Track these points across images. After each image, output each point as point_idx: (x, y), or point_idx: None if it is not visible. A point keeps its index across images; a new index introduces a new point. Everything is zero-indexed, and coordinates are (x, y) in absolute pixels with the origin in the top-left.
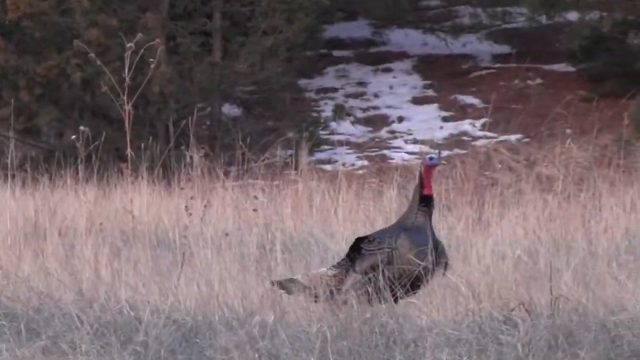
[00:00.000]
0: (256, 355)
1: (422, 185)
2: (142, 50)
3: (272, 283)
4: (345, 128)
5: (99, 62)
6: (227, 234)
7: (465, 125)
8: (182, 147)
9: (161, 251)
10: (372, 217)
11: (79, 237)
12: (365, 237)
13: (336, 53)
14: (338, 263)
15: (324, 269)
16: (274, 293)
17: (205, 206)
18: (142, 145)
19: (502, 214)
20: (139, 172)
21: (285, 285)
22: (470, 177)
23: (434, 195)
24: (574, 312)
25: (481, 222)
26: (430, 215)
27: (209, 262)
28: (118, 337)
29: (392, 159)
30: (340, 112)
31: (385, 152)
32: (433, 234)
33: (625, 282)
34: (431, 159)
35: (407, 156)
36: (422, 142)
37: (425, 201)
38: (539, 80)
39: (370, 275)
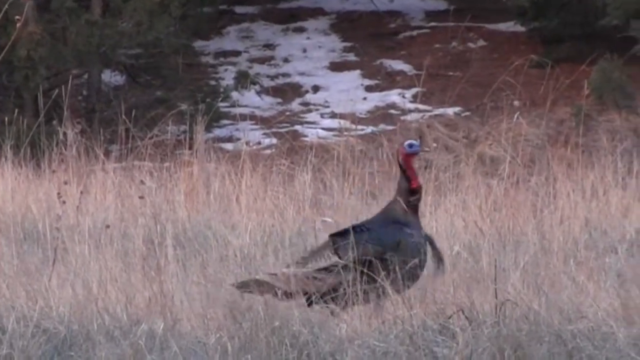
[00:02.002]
0: None
1: (407, 178)
2: (5, 6)
3: (234, 285)
4: (250, 99)
5: None
6: (107, 226)
7: (394, 96)
8: (54, 122)
9: (29, 247)
10: (282, 205)
11: None
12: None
13: (239, 9)
14: (312, 261)
15: (292, 269)
16: (164, 297)
17: (81, 193)
18: (6, 119)
19: (438, 202)
20: (2, 152)
21: (249, 286)
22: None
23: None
24: (524, 320)
25: None
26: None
27: (86, 260)
28: None
29: (306, 136)
30: (243, 80)
31: (298, 128)
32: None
33: (584, 284)
34: (411, 145)
35: (323, 133)
36: (342, 117)
37: (414, 195)
38: (481, 43)
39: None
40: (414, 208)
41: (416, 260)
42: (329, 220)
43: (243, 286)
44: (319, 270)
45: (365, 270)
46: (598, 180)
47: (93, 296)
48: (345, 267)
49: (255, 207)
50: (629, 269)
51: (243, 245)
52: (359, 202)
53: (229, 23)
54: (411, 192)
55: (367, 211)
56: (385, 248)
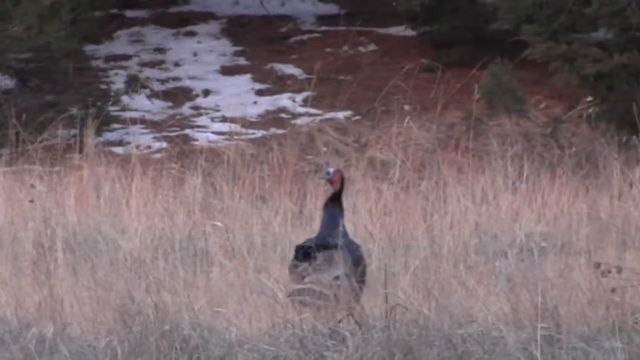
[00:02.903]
0: None
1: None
2: None
3: (288, 296)
4: (140, 103)
5: None
6: None
7: (284, 100)
8: None
9: None
10: (172, 209)
11: None
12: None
13: (129, 13)
14: (313, 267)
15: (316, 275)
16: (54, 301)
17: None
18: None
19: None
20: None
21: (302, 295)
22: (289, 163)
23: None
24: (413, 324)
25: (302, 216)
26: None
27: None
28: None
29: (196, 140)
30: (134, 84)
31: (188, 131)
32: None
33: (474, 288)
34: (328, 173)
35: (214, 137)
36: (233, 120)
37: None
38: (372, 47)
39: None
40: None
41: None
42: (219, 224)
43: (296, 294)
44: (336, 277)
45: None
46: (488, 184)
47: None
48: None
49: (146, 211)
50: (519, 273)
51: (133, 249)
52: (249, 206)
53: (120, 27)
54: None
55: (258, 215)
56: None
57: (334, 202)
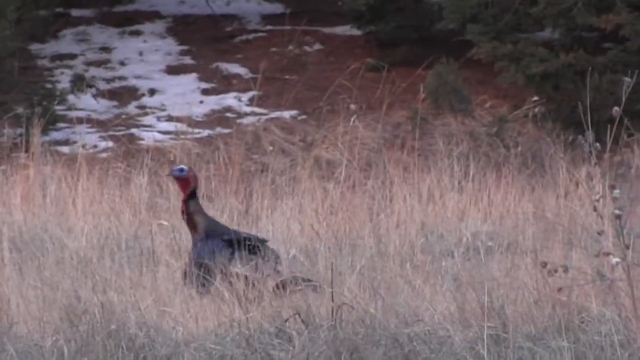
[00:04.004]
0: None
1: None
2: None
3: (275, 286)
4: (86, 102)
5: None
6: None
7: (230, 99)
8: None
9: None
10: (118, 208)
11: None
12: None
13: (75, 12)
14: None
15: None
16: (0, 300)
17: None
18: None
19: (274, 205)
20: None
21: (291, 283)
22: (235, 162)
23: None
24: (360, 324)
25: (249, 215)
26: None
27: None
28: None
29: (142, 139)
30: (79, 83)
31: (134, 131)
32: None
33: (421, 287)
34: (181, 170)
35: (160, 136)
36: (179, 120)
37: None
38: (318, 46)
39: None
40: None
41: None
42: (165, 223)
43: (284, 285)
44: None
45: None
46: (434, 184)
47: None
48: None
49: (92, 210)
50: (465, 272)
51: (79, 248)
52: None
53: (65, 26)
54: (182, 214)
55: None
56: None
57: (195, 200)
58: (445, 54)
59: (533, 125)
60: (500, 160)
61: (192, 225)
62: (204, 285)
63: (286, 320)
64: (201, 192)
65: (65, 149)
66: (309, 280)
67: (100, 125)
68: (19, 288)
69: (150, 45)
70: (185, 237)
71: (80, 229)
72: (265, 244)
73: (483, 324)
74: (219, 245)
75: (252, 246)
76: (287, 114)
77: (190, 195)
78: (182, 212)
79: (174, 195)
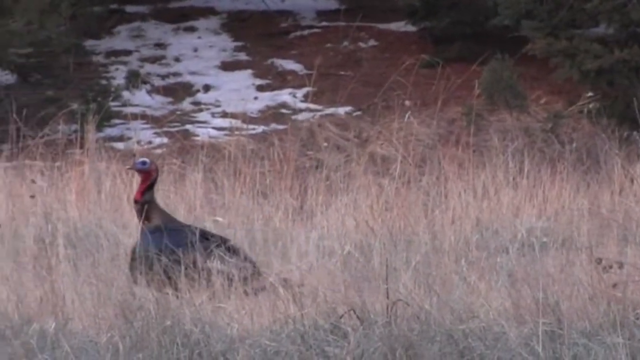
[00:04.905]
0: None
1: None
2: None
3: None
4: (141, 98)
5: None
6: None
7: (285, 95)
8: None
9: None
10: (173, 204)
11: None
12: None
13: (129, 9)
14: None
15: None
16: (55, 297)
17: None
18: None
19: (329, 201)
20: None
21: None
22: (290, 158)
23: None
24: (415, 320)
25: (304, 211)
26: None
27: None
28: None
29: (197, 135)
30: (134, 79)
31: (189, 127)
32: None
33: (476, 283)
34: (143, 163)
35: (214, 132)
36: (233, 116)
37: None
38: (372, 42)
39: None
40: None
41: None
42: (220, 219)
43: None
44: None
45: None
46: (489, 180)
47: None
48: None
49: None
50: (520, 268)
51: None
52: (250, 202)
53: (120, 22)
54: (135, 202)
55: (259, 210)
56: None
57: (151, 191)
58: (500, 50)
59: (588, 121)
60: (555, 156)
61: (146, 214)
62: (169, 278)
63: (341, 317)
64: (256, 188)
65: (120, 145)
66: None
67: (155, 121)
68: (74, 284)
69: (205, 42)
70: (239, 234)
71: (135, 225)
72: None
73: (538, 320)
74: (186, 237)
75: (231, 246)
76: (341, 110)
77: (148, 187)
78: (136, 201)
79: (229, 191)
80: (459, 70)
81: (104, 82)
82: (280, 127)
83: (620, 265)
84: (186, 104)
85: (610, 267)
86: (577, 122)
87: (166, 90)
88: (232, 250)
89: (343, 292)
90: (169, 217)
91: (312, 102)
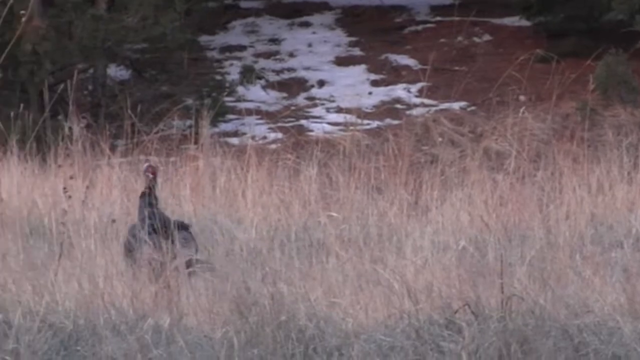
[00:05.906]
0: None
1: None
2: (10, 1)
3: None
4: (255, 94)
5: None
6: (113, 221)
7: (399, 90)
8: (60, 117)
9: (35, 241)
10: (288, 200)
11: None
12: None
13: (244, 4)
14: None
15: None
16: (170, 292)
17: (87, 187)
18: (12, 114)
19: (444, 196)
20: (8, 146)
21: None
22: (405, 153)
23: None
24: (530, 315)
25: (418, 206)
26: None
27: (92, 255)
28: None
29: (312, 130)
30: (249, 74)
31: (303, 122)
32: None
33: (590, 278)
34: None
35: (329, 127)
36: (348, 111)
37: None
38: (487, 37)
39: None
40: None
41: None
42: (335, 214)
43: (188, 265)
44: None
45: None
46: (604, 174)
47: (99, 291)
48: None
49: (261, 201)
50: (635, 263)
51: (249, 239)
52: (364, 197)
53: (234, 18)
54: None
55: (373, 205)
56: None
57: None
58: (614, 45)
59: None
60: None
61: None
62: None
63: (456, 312)
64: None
65: (234, 140)
66: (208, 263)
67: (269, 116)
68: (188, 280)
69: (319, 37)
70: (354, 229)
71: (249, 220)
72: (188, 230)
73: None
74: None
75: (166, 230)
76: (456, 105)
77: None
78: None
79: (343, 186)
80: (573, 65)
81: (218, 77)
82: (395, 122)
83: None
84: (300, 99)
85: None
86: None
87: (280, 86)
88: (166, 234)
89: (458, 287)
90: (150, 209)
91: (427, 97)
